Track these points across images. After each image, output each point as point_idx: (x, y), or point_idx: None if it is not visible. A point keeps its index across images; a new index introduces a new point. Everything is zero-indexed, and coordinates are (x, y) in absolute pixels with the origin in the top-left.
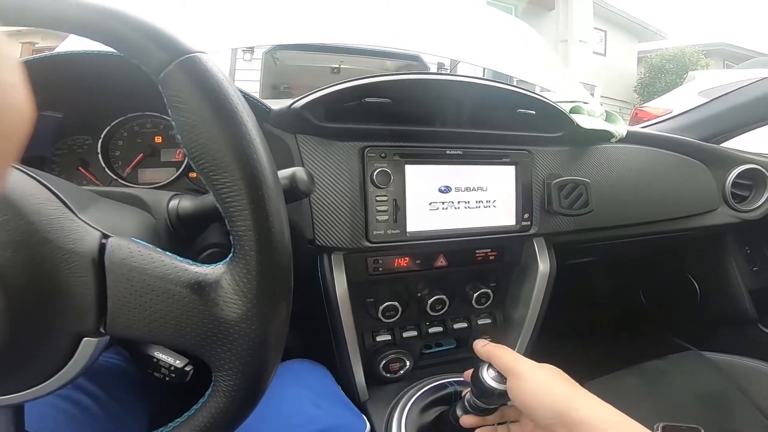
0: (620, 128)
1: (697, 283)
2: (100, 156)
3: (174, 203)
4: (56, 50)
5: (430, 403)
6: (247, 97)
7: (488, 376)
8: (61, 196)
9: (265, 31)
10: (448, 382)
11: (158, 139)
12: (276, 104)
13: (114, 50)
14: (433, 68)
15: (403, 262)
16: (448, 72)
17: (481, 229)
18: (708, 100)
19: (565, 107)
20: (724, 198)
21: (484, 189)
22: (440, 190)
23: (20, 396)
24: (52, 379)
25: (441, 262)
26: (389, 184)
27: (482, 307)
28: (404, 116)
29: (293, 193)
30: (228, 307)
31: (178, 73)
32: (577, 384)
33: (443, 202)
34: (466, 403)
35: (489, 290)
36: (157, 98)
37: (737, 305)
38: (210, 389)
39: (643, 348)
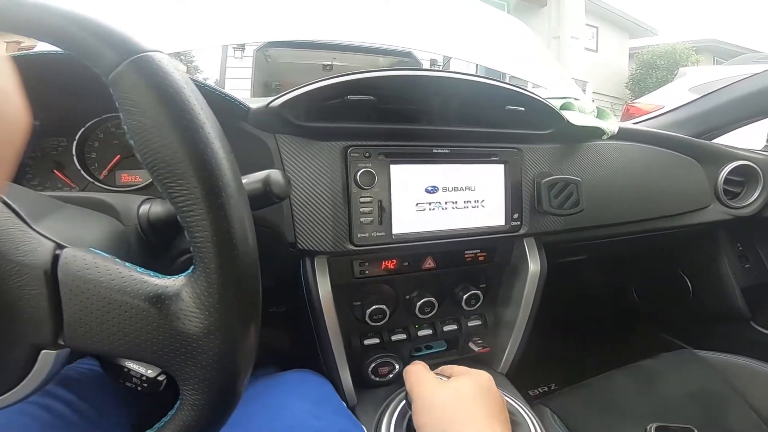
0: (611, 125)
1: (689, 280)
2: (75, 158)
3: (145, 208)
4: (34, 50)
5: None
6: (224, 96)
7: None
8: (14, 206)
9: (259, 28)
10: None
11: None
12: (255, 102)
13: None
14: (426, 65)
15: (390, 264)
16: (441, 68)
17: (470, 230)
18: (699, 96)
19: (556, 103)
20: (716, 195)
21: (473, 188)
22: (427, 191)
23: None
24: (13, 390)
25: (429, 263)
26: (374, 184)
27: (472, 308)
28: (389, 114)
29: (267, 197)
30: (189, 321)
31: (128, 73)
32: (481, 404)
33: (430, 203)
34: None
35: (479, 291)
36: None
37: (729, 303)
38: (178, 402)
39: (636, 346)
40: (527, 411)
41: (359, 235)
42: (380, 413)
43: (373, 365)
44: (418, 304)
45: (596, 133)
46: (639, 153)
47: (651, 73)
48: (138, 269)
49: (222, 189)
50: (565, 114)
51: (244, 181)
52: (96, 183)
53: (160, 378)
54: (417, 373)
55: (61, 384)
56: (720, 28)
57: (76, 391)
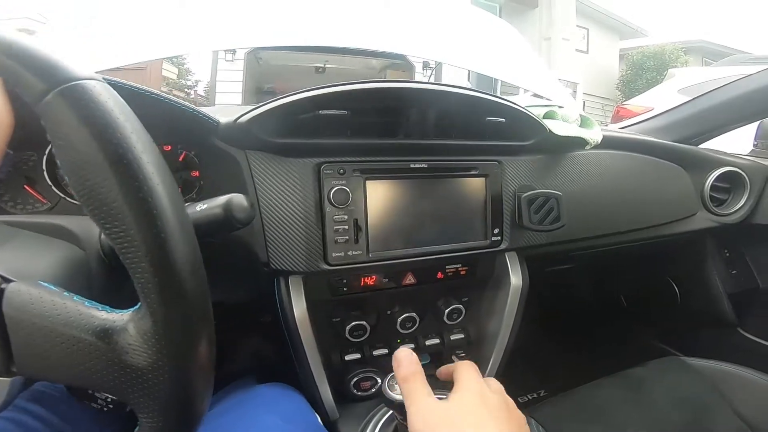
0: (595, 134)
1: (676, 286)
2: (45, 173)
3: None
4: None
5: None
6: (192, 112)
7: (386, 387)
8: None
9: (255, 34)
10: None
11: None
12: (227, 115)
13: None
14: (419, 67)
15: (369, 281)
16: (433, 71)
17: (450, 248)
18: (688, 97)
19: (539, 112)
20: (702, 202)
21: (452, 204)
22: (405, 207)
23: None
24: None
25: (410, 279)
26: (348, 202)
27: (454, 322)
28: (364, 128)
29: (229, 223)
30: (138, 356)
31: (57, 104)
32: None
33: (408, 220)
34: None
35: (461, 305)
36: None
37: (717, 309)
38: (137, 428)
39: (624, 353)
40: None
41: (334, 255)
42: (362, 427)
43: (355, 380)
44: (399, 319)
45: (579, 143)
46: (624, 162)
47: (641, 74)
48: (86, 303)
49: (161, 229)
50: (548, 123)
51: (203, 206)
52: (68, 199)
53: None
54: (410, 389)
55: (33, 399)
56: (708, 28)
57: (48, 406)
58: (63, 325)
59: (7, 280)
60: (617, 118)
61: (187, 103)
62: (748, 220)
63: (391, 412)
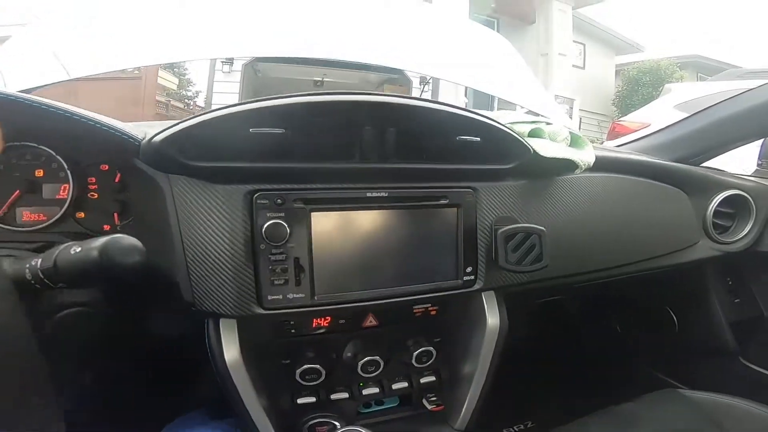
0: (586, 156)
1: (675, 314)
2: None
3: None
4: None
5: None
6: (110, 130)
7: None
8: None
9: (253, 41)
10: None
11: (39, 173)
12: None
13: None
14: (416, 81)
15: (323, 322)
16: (429, 85)
17: (415, 289)
18: (684, 113)
19: (523, 129)
20: (705, 229)
21: (418, 238)
22: (360, 243)
23: None
24: None
25: (371, 321)
26: (288, 239)
27: (424, 365)
28: (309, 150)
29: (110, 268)
30: None
31: None
32: None
33: (364, 258)
34: None
35: (432, 348)
36: (39, 127)
37: (717, 338)
38: None
39: (621, 381)
40: None
41: (270, 298)
42: None
43: (310, 423)
44: (361, 363)
45: (569, 166)
46: (618, 186)
47: (637, 89)
48: None
49: None
50: (533, 143)
51: (77, 249)
52: None
53: None
54: None
55: None
56: (702, 44)
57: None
58: None
59: None
60: (613, 134)
61: (103, 119)
62: (753, 247)
63: None
